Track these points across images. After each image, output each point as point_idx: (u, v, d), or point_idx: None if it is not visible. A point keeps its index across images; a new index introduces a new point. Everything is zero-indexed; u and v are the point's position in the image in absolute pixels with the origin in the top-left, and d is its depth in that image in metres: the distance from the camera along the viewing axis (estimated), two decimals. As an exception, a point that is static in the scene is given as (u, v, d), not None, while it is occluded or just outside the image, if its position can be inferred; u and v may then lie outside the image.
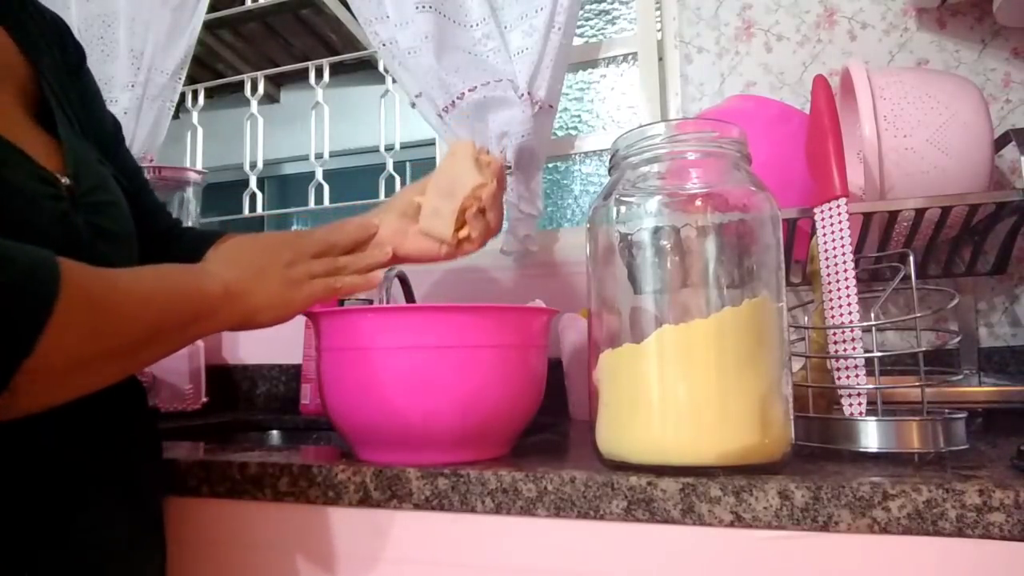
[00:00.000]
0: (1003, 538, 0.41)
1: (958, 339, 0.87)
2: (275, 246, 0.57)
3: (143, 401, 0.55)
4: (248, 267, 0.54)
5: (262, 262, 0.55)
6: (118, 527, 0.48)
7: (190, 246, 0.62)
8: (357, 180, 2.17)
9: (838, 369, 0.56)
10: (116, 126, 0.62)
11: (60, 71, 0.54)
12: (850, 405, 0.54)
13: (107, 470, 0.48)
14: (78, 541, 0.44)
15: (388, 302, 0.82)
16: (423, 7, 0.98)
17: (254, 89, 1.51)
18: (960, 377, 0.78)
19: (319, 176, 1.45)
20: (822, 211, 0.59)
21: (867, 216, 0.74)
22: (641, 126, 0.53)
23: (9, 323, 0.34)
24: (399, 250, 0.64)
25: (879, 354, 0.54)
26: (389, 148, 1.42)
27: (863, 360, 0.54)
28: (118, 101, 1.18)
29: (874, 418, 0.52)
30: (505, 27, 1.00)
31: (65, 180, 0.47)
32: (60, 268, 0.37)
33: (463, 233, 0.63)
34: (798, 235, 0.80)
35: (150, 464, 0.55)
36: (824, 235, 0.58)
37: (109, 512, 0.47)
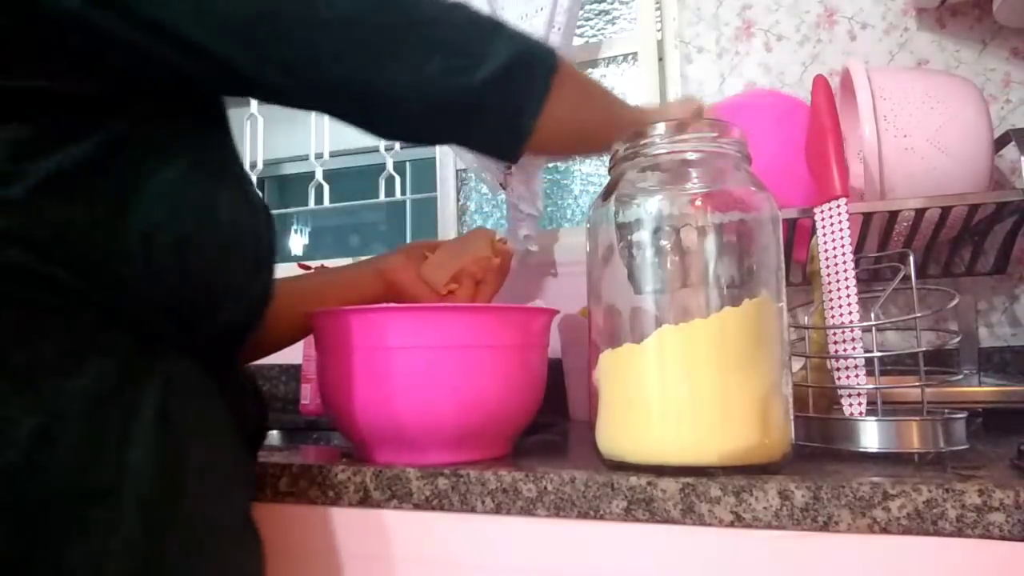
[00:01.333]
0: (1003, 538, 0.41)
1: (958, 339, 0.87)
2: None
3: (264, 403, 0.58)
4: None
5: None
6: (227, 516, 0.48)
7: None
8: (357, 180, 2.17)
9: (838, 369, 0.56)
10: None
11: None
12: (850, 405, 0.54)
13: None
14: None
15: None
16: (423, 7, 0.97)
17: (254, 89, 1.50)
18: (960, 377, 0.78)
19: (319, 176, 1.45)
20: (822, 211, 0.59)
21: (867, 216, 0.74)
22: (641, 126, 0.53)
23: (534, 73, 0.52)
24: (398, 279, 0.69)
25: (879, 354, 0.54)
26: (389, 148, 1.42)
27: (863, 360, 0.54)
28: (118, 101, 1.18)
29: (874, 418, 0.52)
30: (505, 27, 1.00)
31: None
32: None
33: (452, 286, 0.68)
34: (798, 234, 0.80)
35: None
36: (824, 235, 0.58)
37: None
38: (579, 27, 1.16)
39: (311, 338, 0.62)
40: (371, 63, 0.46)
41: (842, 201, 0.57)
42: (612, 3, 1.18)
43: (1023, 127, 0.75)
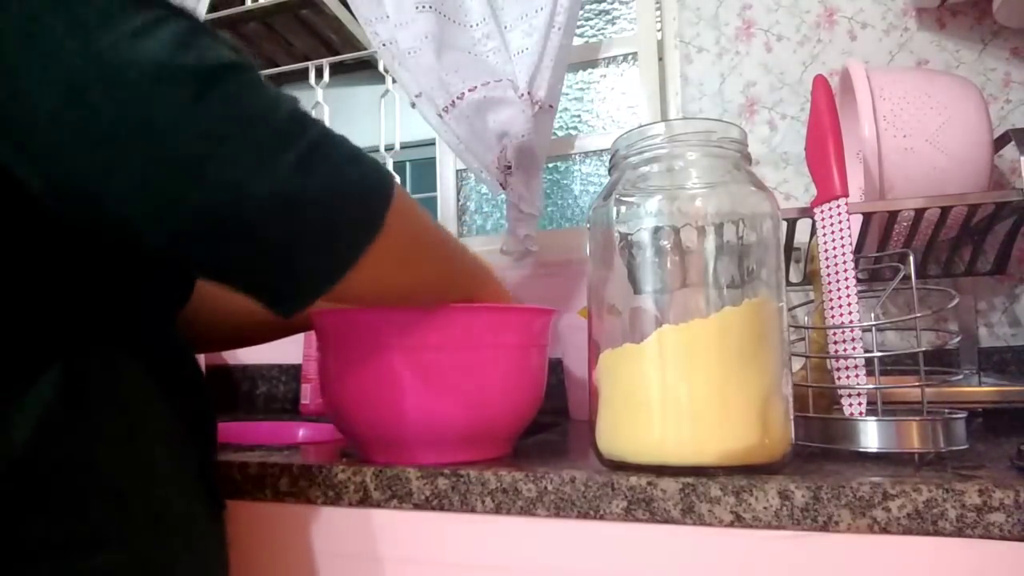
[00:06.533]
0: (1003, 538, 0.41)
1: (958, 339, 0.87)
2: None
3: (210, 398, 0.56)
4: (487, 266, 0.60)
5: (489, 267, 0.60)
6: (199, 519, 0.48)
7: None
8: (357, 180, 2.17)
9: (838, 369, 0.56)
10: None
11: None
12: (850, 405, 0.54)
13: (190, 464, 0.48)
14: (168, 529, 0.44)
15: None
16: (423, 7, 0.98)
17: (254, 89, 1.50)
18: (960, 377, 0.78)
19: (319, 176, 1.45)
20: (822, 211, 0.59)
21: (867, 216, 0.74)
22: (641, 126, 0.53)
23: (367, 206, 0.40)
24: None
25: (879, 354, 0.54)
26: (389, 148, 1.42)
27: (863, 360, 0.54)
28: (118, 101, 1.18)
29: (874, 418, 0.52)
30: (505, 27, 1.00)
31: None
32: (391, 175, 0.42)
33: None
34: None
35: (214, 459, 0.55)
36: (824, 235, 0.58)
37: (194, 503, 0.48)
38: (579, 27, 1.16)
39: (312, 338, 0.62)
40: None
41: (842, 201, 0.57)
42: (612, 3, 1.18)
43: (1023, 127, 0.75)
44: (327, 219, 0.38)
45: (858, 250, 0.76)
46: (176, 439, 0.47)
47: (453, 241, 0.54)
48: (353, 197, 0.40)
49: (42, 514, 0.37)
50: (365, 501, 0.53)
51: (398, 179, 0.44)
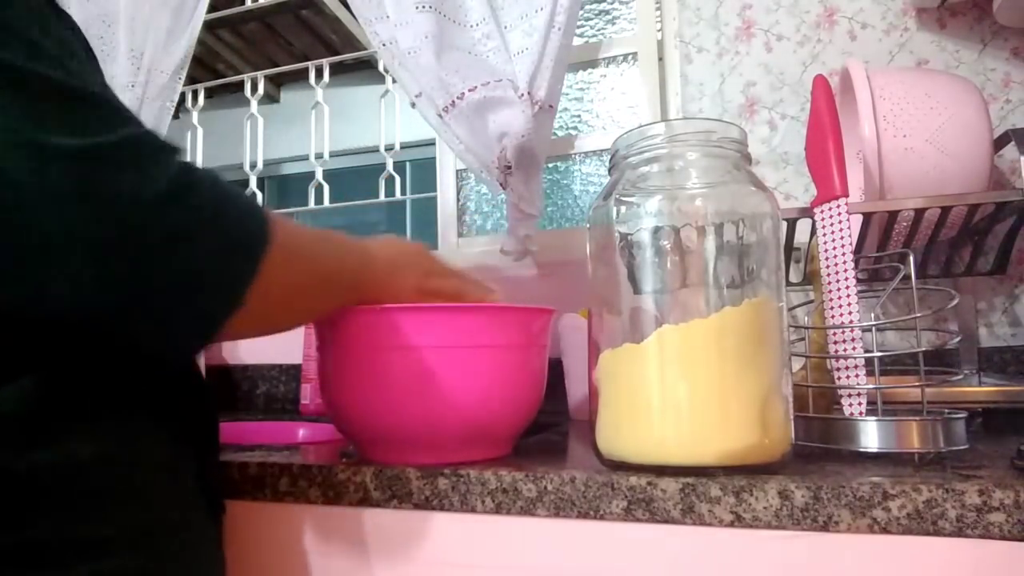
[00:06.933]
0: (1003, 538, 0.41)
1: (958, 339, 0.87)
2: (421, 252, 0.61)
3: (214, 398, 0.56)
4: (398, 259, 0.58)
5: (408, 260, 0.59)
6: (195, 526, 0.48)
7: None
8: (357, 180, 2.17)
9: (838, 369, 0.56)
10: None
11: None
12: (850, 405, 0.54)
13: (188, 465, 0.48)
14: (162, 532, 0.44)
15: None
16: (423, 7, 0.98)
17: (254, 89, 1.50)
18: (960, 377, 0.77)
19: (319, 176, 1.45)
20: (822, 211, 0.59)
21: (867, 216, 0.74)
22: (641, 126, 0.53)
23: (244, 246, 0.39)
24: None
25: (879, 354, 0.54)
26: (389, 148, 1.42)
27: (863, 360, 0.54)
28: (118, 101, 1.18)
29: (874, 418, 0.52)
30: (505, 27, 1.00)
31: None
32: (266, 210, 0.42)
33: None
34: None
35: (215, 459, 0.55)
36: (824, 235, 0.58)
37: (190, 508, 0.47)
38: (579, 27, 1.16)
39: (311, 338, 0.62)
40: None
41: (842, 201, 0.57)
42: (612, 3, 1.18)
43: (1023, 127, 0.75)
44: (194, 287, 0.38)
45: (858, 250, 0.76)
46: (170, 442, 0.46)
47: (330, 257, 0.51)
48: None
49: (22, 523, 0.36)
50: (365, 501, 0.53)
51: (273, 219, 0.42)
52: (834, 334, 0.56)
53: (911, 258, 0.56)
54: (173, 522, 0.45)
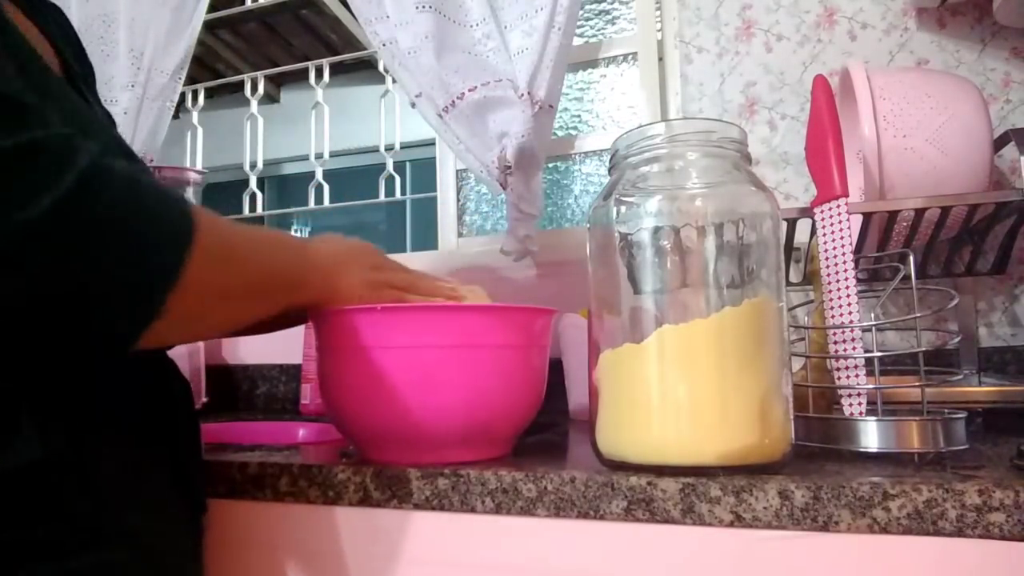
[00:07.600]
0: (1003, 538, 0.41)
1: (958, 339, 0.87)
2: (366, 248, 0.61)
3: (191, 399, 0.56)
4: (341, 255, 0.57)
5: (352, 256, 0.58)
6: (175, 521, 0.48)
7: None
8: (357, 180, 2.17)
9: (838, 369, 0.56)
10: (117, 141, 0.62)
11: (78, 80, 0.54)
12: (850, 405, 0.54)
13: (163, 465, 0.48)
14: (141, 532, 0.44)
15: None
16: (423, 7, 0.98)
17: (254, 89, 1.51)
18: (960, 377, 0.78)
19: (319, 176, 1.45)
20: (822, 211, 0.59)
21: (867, 216, 0.74)
22: (641, 126, 0.53)
23: (162, 250, 0.37)
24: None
25: (879, 354, 0.54)
26: (389, 148, 1.42)
27: (863, 360, 0.54)
28: (118, 101, 1.18)
29: (874, 418, 0.52)
30: (505, 27, 1.00)
31: None
32: (192, 206, 0.40)
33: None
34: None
35: (196, 460, 0.55)
36: (824, 235, 0.58)
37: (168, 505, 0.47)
38: (579, 27, 1.16)
39: (311, 338, 0.62)
40: None
41: (842, 201, 0.57)
42: (612, 3, 1.18)
43: (1023, 127, 0.75)
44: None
45: (858, 250, 0.76)
46: (135, 443, 0.45)
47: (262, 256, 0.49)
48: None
49: None
50: (365, 501, 0.53)
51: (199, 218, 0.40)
52: (834, 334, 0.56)
53: (911, 258, 0.56)
54: (132, 525, 0.43)
